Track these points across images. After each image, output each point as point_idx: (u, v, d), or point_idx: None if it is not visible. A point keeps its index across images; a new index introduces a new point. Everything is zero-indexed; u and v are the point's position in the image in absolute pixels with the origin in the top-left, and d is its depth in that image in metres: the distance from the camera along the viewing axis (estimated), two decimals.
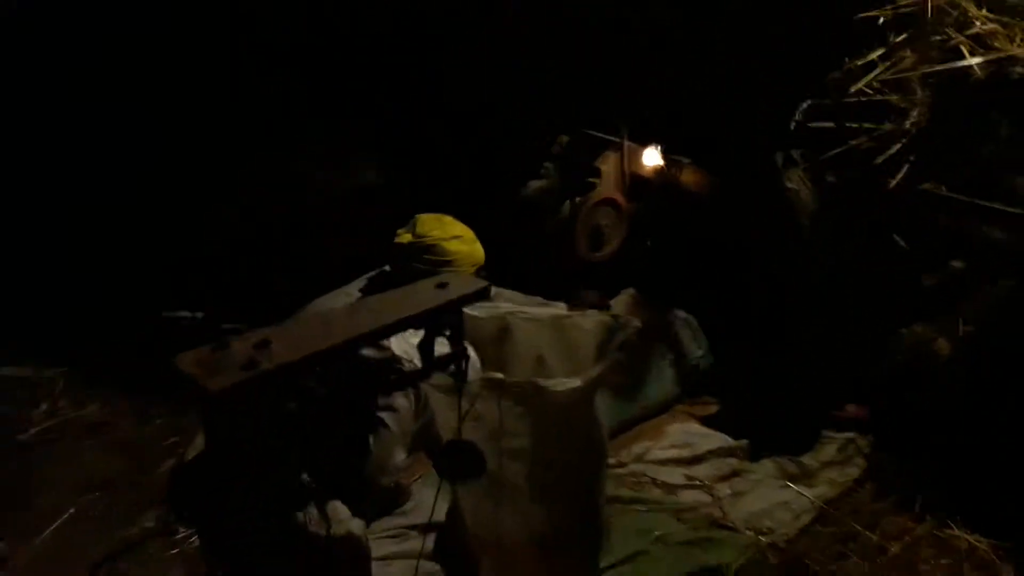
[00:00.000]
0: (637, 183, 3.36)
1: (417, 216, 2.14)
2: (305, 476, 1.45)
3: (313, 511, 1.42)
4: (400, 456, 1.79)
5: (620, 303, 3.40)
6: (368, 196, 3.91)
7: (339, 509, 1.50)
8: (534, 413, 1.66)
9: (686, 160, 3.26)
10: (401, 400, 1.75)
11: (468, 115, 3.89)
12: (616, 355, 1.72)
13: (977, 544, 2.56)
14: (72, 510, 2.61)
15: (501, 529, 1.72)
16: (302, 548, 1.41)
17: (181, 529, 2.47)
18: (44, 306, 3.56)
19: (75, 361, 3.32)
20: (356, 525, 1.51)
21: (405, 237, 2.07)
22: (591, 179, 3.33)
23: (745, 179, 3.03)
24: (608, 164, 3.34)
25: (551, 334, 2.00)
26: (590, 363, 1.85)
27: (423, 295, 1.44)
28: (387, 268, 2.14)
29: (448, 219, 2.14)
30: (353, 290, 2.08)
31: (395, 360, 1.69)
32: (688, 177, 3.26)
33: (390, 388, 1.71)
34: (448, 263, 2.00)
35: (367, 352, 1.63)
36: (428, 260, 2.00)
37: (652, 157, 3.32)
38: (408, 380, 1.58)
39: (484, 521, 1.73)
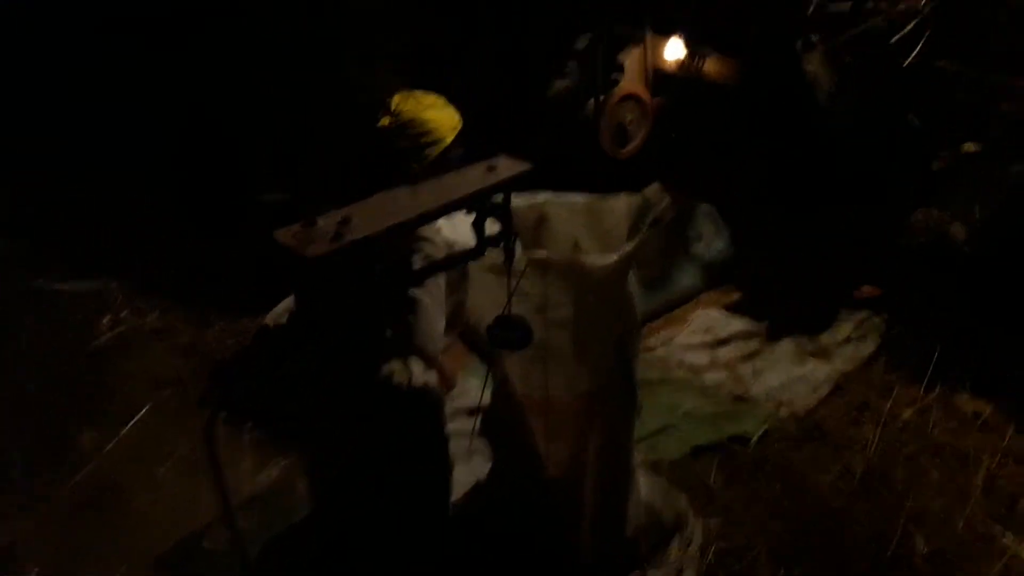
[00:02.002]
0: (660, 76, 3.43)
1: (388, 99, 2.25)
2: (388, 332, 1.64)
3: (396, 364, 1.61)
4: (441, 325, 1.94)
5: (646, 192, 3.50)
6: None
7: (417, 362, 1.69)
8: (575, 287, 1.82)
9: (709, 50, 3.31)
10: (432, 278, 1.90)
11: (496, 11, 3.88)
12: (648, 231, 1.86)
13: (983, 409, 2.75)
14: (148, 405, 2.84)
15: (550, 389, 1.91)
16: (386, 399, 1.60)
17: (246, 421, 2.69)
18: (97, 215, 3.71)
19: (132, 272, 3.50)
20: (432, 377, 1.71)
21: (384, 120, 2.15)
22: (614, 75, 3.41)
23: (767, 64, 3.09)
24: (631, 59, 3.41)
25: (585, 219, 2.14)
26: (623, 241, 2.00)
27: (476, 177, 1.58)
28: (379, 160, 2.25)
29: (418, 92, 2.22)
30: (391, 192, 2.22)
31: (448, 243, 1.85)
32: (711, 67, 3.30)
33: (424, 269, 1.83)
34: (427, 133, 2.09)
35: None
36: (409, 135, 2.09)
37: (675, 48, 3.37)
38: (460, 260, 1.73)
39: (534, 384, 1.91)
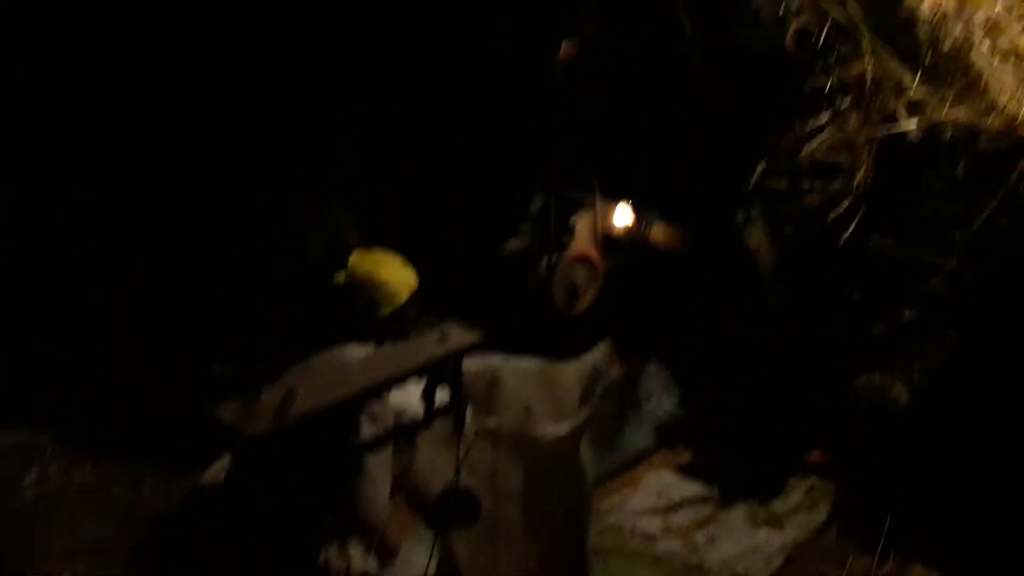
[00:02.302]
0: (610, 240, 3.56)
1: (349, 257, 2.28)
2: (326, 515, 1.56)
3: (333, 550, 1.52)
4: (386, 490, 1.87)
5: (596, 354, 3.54)
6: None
7: (356, 545, 1.60)
8: (526, 459, 1.79)
9: (655, 217, 3.46)
10: (377, 440, 1.85)
11: (452, 173, 4.03)
12: (599, 402, 1.86)
13: None
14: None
15: (497, 571, 1.82)
16: None
17: None
18: (31, 369, 3.55)
19: (65, 425, 3.32)
20: (371, 564, 1.61)
21: (339, 278, 2.17)
22: (566, 237, 3.52)
23: (710, 235, 3.23)
24: (582, 222, 3.54)
25: (537, 384, 2.14)
26: (574, 410, 1.99)
27: (427, 346, 1.58)
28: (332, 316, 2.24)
29: (376, 252, 2.27)
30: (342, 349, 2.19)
31: (396, 411, 1.81)
32: (657, 234, 3.44)
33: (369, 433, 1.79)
34: (382, 291, 2.11)
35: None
36: (364, 293, 2.11)
37: (623, 215, 3.52)
38: (409, 430, 1.69)
39: (481, 563, 1.83)
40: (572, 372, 2.06)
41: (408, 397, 1.74)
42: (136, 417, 3.21)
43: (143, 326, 3.35)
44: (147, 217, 3.44)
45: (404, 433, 1.77)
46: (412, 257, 2.87)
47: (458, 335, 1.61)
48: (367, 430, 1.70)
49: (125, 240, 3.44)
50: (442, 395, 1.66)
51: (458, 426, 1.67)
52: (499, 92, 3.69)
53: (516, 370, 2.14)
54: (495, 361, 2.15)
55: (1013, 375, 2.71)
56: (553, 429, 1.79)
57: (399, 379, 1.48)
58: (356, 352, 2.13)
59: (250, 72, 3.50)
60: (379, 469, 1.80)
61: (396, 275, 2.22)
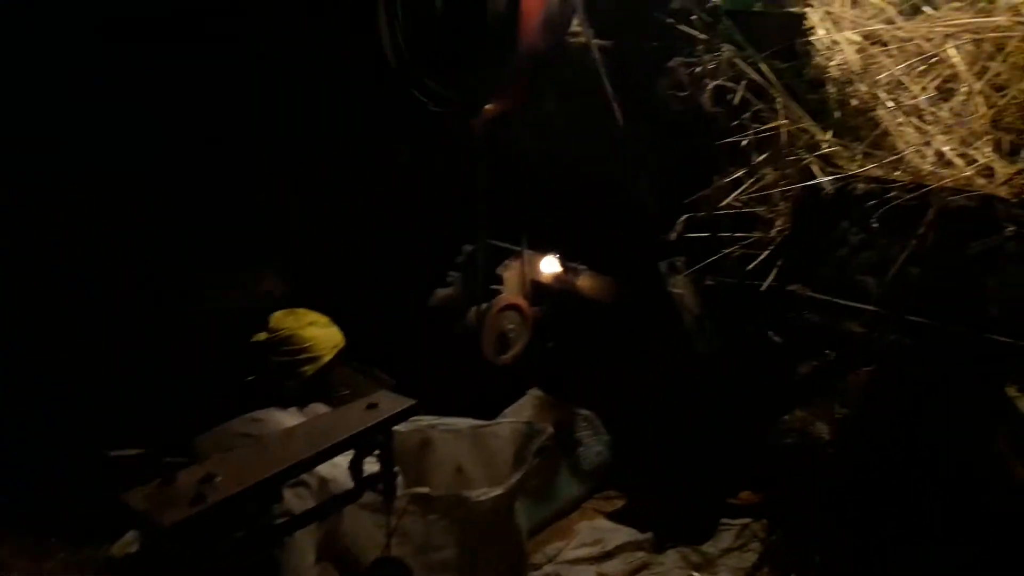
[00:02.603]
0: (538, 289, 3.58)
1: (271, 315, 2.24)
2: None
3: None
4: (311, 559, 1.80)
5: (526, 404, 3.53)
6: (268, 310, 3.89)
7: None
8: (459, 524, 1.75)
9: (582, 267, 3.50)
10: (302, 514, 1.78)
11: (378, 224, 4.00)
12: (533, 462, 1.84)
13: None
14: None
15: None
16: None
17: None
18: None
19: None
20: None
21: (260, 336, 2.13)
22: (494, 286, 3.53)
23: (637, 284, 3.28)
24: (510, 271, 3.55)
25: (470, 444, 2.11)
26: (508, 470, 1.96)
27: (354, 417, 1.53)
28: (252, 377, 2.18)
29: (301, 310, 2.23)
30: (261, 413, 2.11)
31: (323, 482, 1.74)
32: (584, 282, 3.49)
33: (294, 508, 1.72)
34: (305, 350, 2.07)
35: None
36: (286, 352, 2.07)
37: (550, 264, 3.55)
38: (336, 504, 1.63)
39: None
40: (505, 431, 2.03)
41: (336, 468, 1.68)
42: (43, 490, 3.04)
43: (49, 397, 3.18)
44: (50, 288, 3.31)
45: (332, 504, 1.70)
46: (338, 310, 2.84)
47: (388, 403, 1.56)
48: (292, 504, 1.63)
49: (34, 316, 3.30)
50: (372, 464, 1.60)
51: (388, 495, 1.61)
52: (423, 145, 3.71)
53: (447, 431, 2.10)
54: (426, 422, 2.10)
55: (929, 408, 2.79)
56: (487, 492, 1.75)
57: (326, 455, 1.42)
58: (279, 419, 2.07)
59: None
60: (304, 541, 1.73)
61: (320, 334, 2.17)
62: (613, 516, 3.38)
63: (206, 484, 1.24)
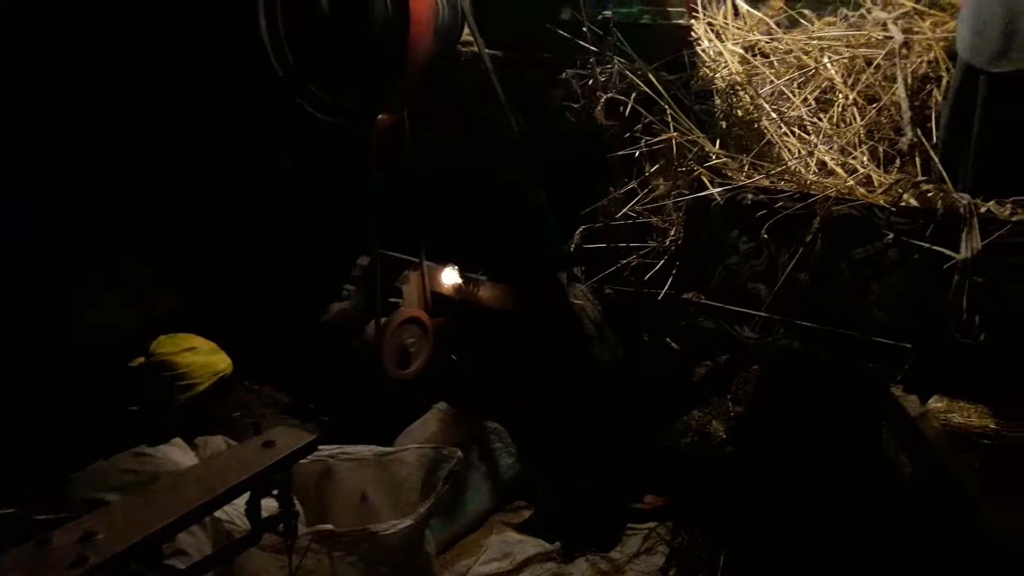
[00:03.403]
0: (438, 300, 3.52)
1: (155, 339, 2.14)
2: None
3: None
4: None
5: (432, 418, 3.47)
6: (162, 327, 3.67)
7: None
8: (367, 559, 1.68)
9: (482, 277, 3.47)
10: (190, 541, 1.69)
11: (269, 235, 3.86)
12: (443, 489, 1.79)
13: None
14: None
15: None
16: None
17: None
18: None
19: None
20: None
21: (138, 361, 2.05)
22: (393, 299, 3.45)
23: (538, 294, 3.28)
24: (409, 283, 3.48)
25: (374, 472, 2.04)
26: (415, 496, 1.90)
27: (250, 457, 1.44)
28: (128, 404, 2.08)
29: (183, 335, 2.15)
30: (147, 448, 1.99)
31: (216, 523, 1.64)
32: (485, 293, 3.46)
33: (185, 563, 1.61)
34: (182, 376, 2.00)
35: None
36: (163, 377, 2.00)
37: (450, 276, 3.50)
38: (236, 549, 1.53)
39: None
40: (411, 457, 1.97)
41: (230, 512, 1.58)
42: None
43: None
44: None
45: (229, 550, 1.60)
46: (227, 327, 2.69)
47: (286, 439, 1.48)
48: (182, 560, 1.52)
49: None
50: (269, 504, 1.51)
51: (289, 536, 1.53)
52: (312, 154, 3.60)
53: (350, 460, 2.02)
54: (326, 451, 2.02)
55: (819, 408, 2.90)
56: (396, 524, 1.69)
57: (220, 501, 1.33)
58: (166, 452, 1.94)
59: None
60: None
61: (198, 360, 2.08)
62: (521, 528, 3.36)
63: (86, 543, 1.13)
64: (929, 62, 2.90)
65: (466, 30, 3.19)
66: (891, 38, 2.96)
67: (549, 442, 3.49)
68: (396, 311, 3.40)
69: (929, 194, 2.37)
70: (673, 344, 3.07)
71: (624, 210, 2.89)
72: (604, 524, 3.29)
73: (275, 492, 1.49)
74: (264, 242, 3.97)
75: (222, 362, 2.12)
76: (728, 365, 3.48)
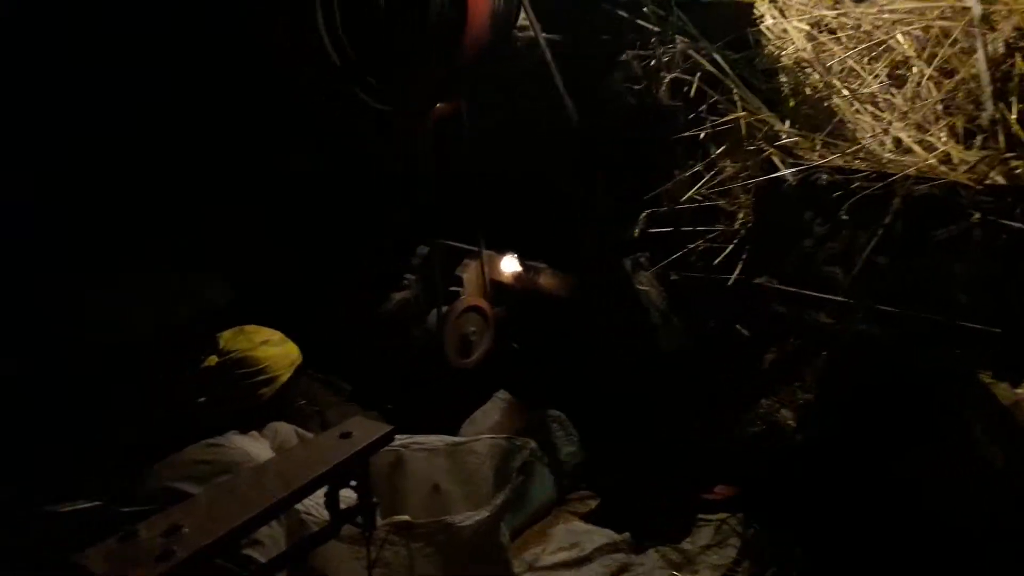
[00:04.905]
0: (499, 289, 3.50)
1: (217, 336, 2.12)
2: None
3: None
4: None
5: (493, 407, 3.46)
6: (215, 318, 3.69)
7: None
8: (443, 551, 1.67)
9: (543, 265, 3.43)
10: (265, 531, 1.69)
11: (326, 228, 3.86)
12: (517, 480, 1.77)
13: None
14: None
15: None
16: None
17: None
18: None
19: None
20: None
21: (211, 360, 2.02)
22: (453, 288, 3.44)
23: (601, 282, 3.23)
24: (469, 272, 3.46)
25: (446, 462, 2.02)
26: (488, 487, 1.89)
27: (328, 448, 1.43)
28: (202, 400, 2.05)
29: (250, 328, 2.12)
30: (220, 438, 1.99)
31: (296, 515, 1.65)
32: (546, 281, 3.42)
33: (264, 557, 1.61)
34: (262, 371, 1.98)
35: None
36: (242, 375, 1.97)
37: (510, 264, 3.47)
38: (316, 540, 1.53)
39: None
40: (483, 447, 1.95)
41: (307, 503, 1.58)
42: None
43: None
44: None
45: (308, 542, 1.60)
46: (288, 317, 2.70)
47: (363, 431, 1.47)
48: (257, 551, 1.53)
49: None
50: (346, 494, 1.51)
51: (367, 528, 1.52)
52: (377, 143, 3.59)
53: (421, 450, 2.01)
54: (398, 441, 2.01)
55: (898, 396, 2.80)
56: (472, 515, 1.67)
57: (301, 494, 1.33)
58: (239, 442, 1.95)
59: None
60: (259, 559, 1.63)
61: (275, 352, 2.07)
62: (588, 517, 3.32)
63: (172, 537, 1.14)
64: (1010, 33, 2.76)
65: (522, 15, 3.14)
66: (968, 8, 2.81)
67: (613, 430, 3.44)
68: (457, 300, 3.39)
69: (1017, 171, 2.25)
70: (743, 331, 2.99)
71: (689, 193, 2.82)
72: (673, 514, 3.23)
73: (353, 483, 1.48)
74: (321, 232, 3.98)
75: (294, 350, 2.12)
76: (797, 352, 3.38)
